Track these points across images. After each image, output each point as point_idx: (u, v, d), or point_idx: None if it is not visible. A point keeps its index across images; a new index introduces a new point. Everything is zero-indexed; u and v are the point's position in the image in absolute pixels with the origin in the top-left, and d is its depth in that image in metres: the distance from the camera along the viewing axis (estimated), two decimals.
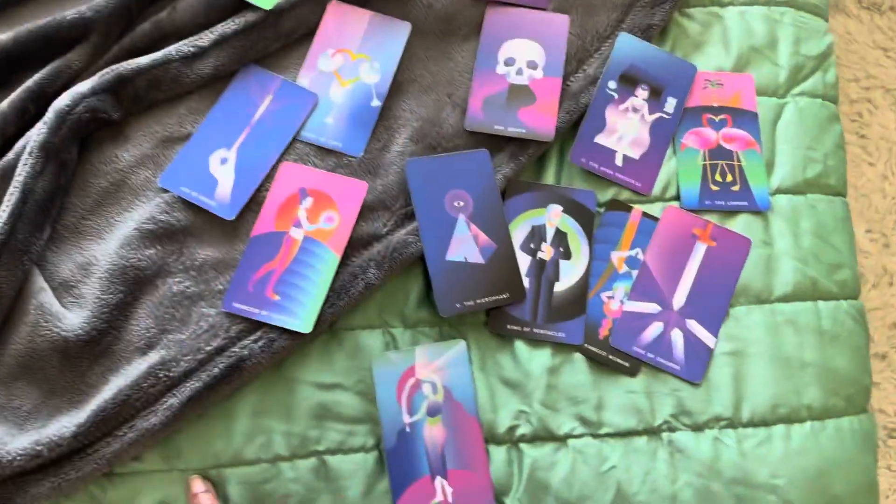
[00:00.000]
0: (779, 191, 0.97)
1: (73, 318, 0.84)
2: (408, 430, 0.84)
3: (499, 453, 0.86)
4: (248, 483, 0.83)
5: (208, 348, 0.84)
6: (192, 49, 0.93)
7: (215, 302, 0.86)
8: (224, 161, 0.91)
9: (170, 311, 0.86)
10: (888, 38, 1.41)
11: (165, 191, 0.90)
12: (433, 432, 0.84)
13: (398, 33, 0.98)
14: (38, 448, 0.79)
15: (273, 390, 0.86)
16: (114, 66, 0.92)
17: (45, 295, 0.86)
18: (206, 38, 0.94)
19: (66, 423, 0.81)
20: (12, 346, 0.85)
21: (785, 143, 0.99)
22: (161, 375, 0.82)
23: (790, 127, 1.00)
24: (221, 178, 0.90)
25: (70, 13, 0.94)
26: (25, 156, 0.87)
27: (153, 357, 0.83)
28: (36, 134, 0.88)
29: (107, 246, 0.88)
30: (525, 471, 0.85)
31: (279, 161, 0.92)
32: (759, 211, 0.95)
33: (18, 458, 0.79)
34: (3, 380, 0.84)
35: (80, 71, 0.94)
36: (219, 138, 0.92)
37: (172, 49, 0.93)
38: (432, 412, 0.85)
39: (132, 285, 0.86)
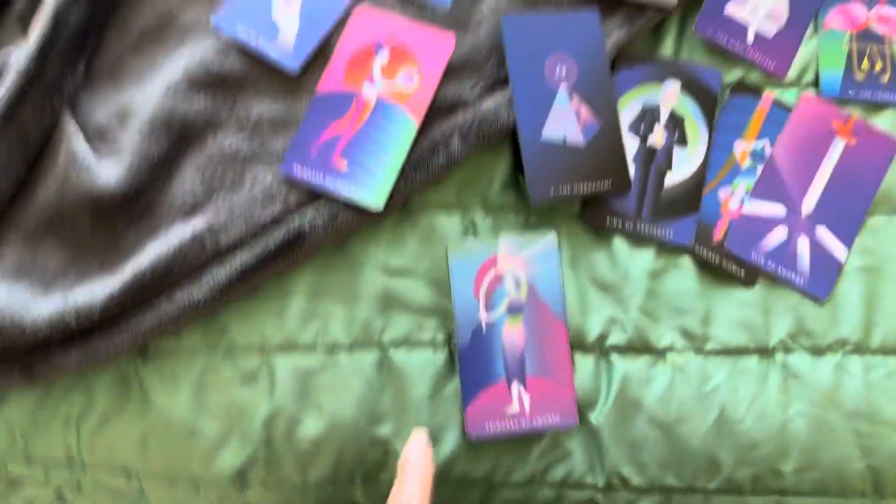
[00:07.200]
0: None
1: (108, 171, 0.73)
2: (484, 329, 0.73)
3: (586, 363, 0.74)
4: (300, 372, 0.73)
5: (262, 216, 0.72)
6: None
7: (272, 165, 0.74)
8: (288, 1, 0.78)
9: (220, 171, 0.74)
10: None
11: (218, 33, 0.77)
12: (513, 333, 0.73)
13: None
14: (67, 319, 0.68)
15: (334, 270, 0.74)
16: None
17: (77, 142, 0.74)
18: None
19: (97, 289, 0.70)
20: (39, 199, 0.74)
21: None
22: (207, 244, 0.71)
23: None
24: (284, 23, 0.77)
25: None
26: None
27: (199, 223, 0.72)
28: None
29: (149, 91, 0.76)
30: (615, 384, 0.74)
31: (354, 4, 0.78)
32: None
33: (44, 325, 0.68)
34: (27, 236, 0.74)
35: None
36: None
37: None
38: (513, 310, 0.74)
39: (177, 138, 0.74)
